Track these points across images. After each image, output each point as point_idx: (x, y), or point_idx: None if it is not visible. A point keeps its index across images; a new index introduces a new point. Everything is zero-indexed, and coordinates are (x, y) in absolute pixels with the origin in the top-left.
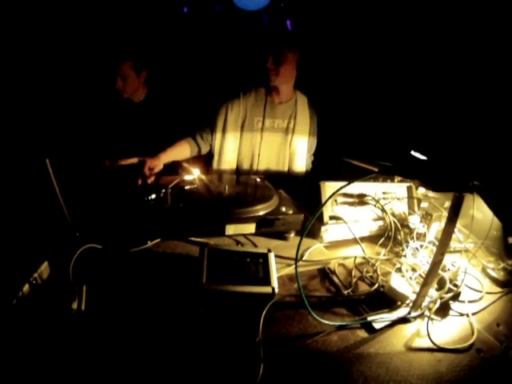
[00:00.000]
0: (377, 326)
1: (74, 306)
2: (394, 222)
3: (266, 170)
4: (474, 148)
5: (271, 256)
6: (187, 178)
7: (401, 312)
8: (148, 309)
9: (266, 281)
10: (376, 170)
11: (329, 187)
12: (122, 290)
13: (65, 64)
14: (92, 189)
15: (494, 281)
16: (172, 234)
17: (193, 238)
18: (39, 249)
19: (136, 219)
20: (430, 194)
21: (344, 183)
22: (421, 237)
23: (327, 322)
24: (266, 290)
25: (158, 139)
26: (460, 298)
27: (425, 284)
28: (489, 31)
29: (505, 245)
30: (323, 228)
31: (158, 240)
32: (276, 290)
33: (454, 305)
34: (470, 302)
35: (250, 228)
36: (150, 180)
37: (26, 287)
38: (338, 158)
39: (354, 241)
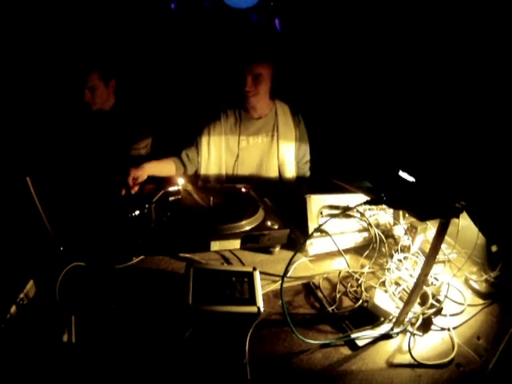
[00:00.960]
0: (360, 343)
1: (65, 338)
2: (379, 235)
3: (253, 179)
4: (459, 166)
5: (256, 274)
6: (171, 189)
7: (383, 328)
8: (135, 332)
9: (252, 300)
10: (364, 194)
11: (315, 200)
12: (109, 312)
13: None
14: (74, 204)
15: (476, 293)
16: (157, 250)
17: (180, 254)
18: (23, 266)
19: (120, 236)
20: None
21: (330, 196)
22: (405, 249)
23: (311, 341)
24: (252, 309)
25: (127, 146)
26: (442, 312)
27: (408, 302)
28: (477, 51)
29: (488, 255)
30: (308, 241)
31: (143, 257)
32: (261, 310)
33: (436, 319)
34: (451, 315)
35: (235, 244)
36: (134, 190)
37: (14, 308)
38: (325, 178)
39: (339, 253)
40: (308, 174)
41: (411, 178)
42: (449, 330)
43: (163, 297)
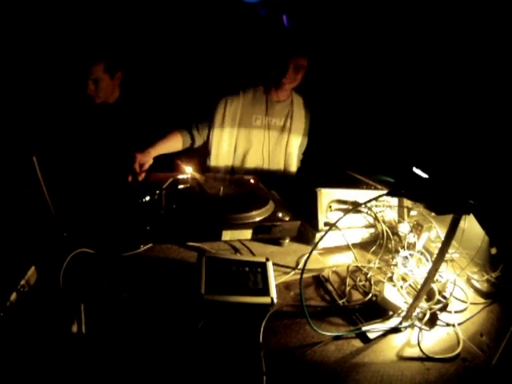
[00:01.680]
0: (371, 335)
1: (74, 329)
2: (386, 231)
3: (261, 169)
4: (470, 165)
5: (269, 265)
6: (180, 176)
7: (393, 322)
8: (146, 323)
9: (265, 291)
10: (379, 187)
11: (325, 194)
12: (120, 301)
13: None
14: (82, 188)
15: (478, 292)
16: (166, 238)
17: (187, 243)
18: (25, 251)
19: (128, 222)
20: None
21: (339, 190)
22: (411, 246)
23: (325, 333)
24: (265, 300)
25: (132, 138)
26: (447, 309)
27: (417, 297)
28: (486, 51)
29: (489, 256)
30: (318, 235)
31: (151, 245)
32: (275, 301)
33: (441, 315)
34: (456, 312)
35: (247, 234)
36: (141, 177)
37: (14, 296)
38: (341, 170)
39: (346, 247)
40: (299, 165)
41: (424, 175)
42: (454, 325)
43: (174, 286)
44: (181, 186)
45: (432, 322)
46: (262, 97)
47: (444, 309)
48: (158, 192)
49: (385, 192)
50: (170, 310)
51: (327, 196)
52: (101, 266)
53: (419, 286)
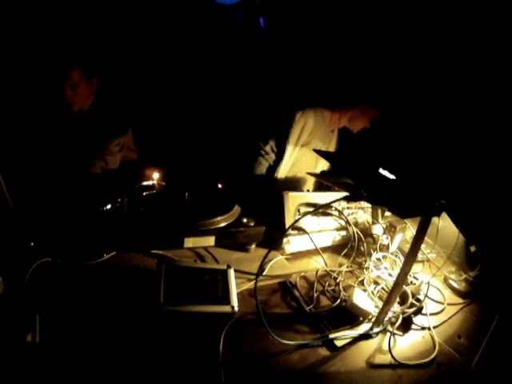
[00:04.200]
0: (338, 343)
1: (29, 338)
2: (357, 233)
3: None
4: (439, 165)
5: (231, 272)
6: (145, 183)
7: (363, 328)
8: (105, 331)
9: (226, 299)
10: (343, 190)
11: (292, 197)
12: (77, 310)
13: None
14: (47, 197)
15: (456, 292)
16: (128, 246)
17: (153, 251)
18: None
19: (91, 231)
20: None
21: (309, 194)
22: (384, 248)
23: (288, 342)
24: (226, 309)
25: (101, 146)
26: (422, 311)
27: (388, 302)
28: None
29: (467, 254)
30: (285, 239)
31: (114, 253)
32: (236, 309)
33: (416, 318)
34: (431, 314)
35: (210, 240)
36: None
37: None
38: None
39: (317, 251)
40: None
41: (392, 176)
42: (429, 329)
43: (135, 295)
44: (145, 193)
45: (406, 326)
46: (324, 120)
47: (418, 312)
48: (119, 200)
49: (342, 196)
50: (129, 318)
51: (295, 199)
52: (63, 276)
53: None
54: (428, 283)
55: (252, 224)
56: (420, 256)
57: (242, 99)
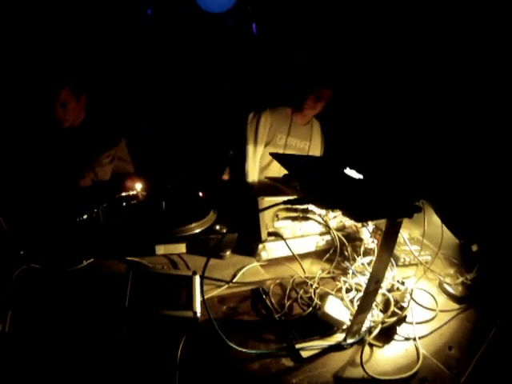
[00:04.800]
0: (304, 354)
1: None
2: (339, 237)
3: None
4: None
5: (196, 279)
6: (124, 194)
7: (336, 338)
8: (73, 327)
9: (189, 305)
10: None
11: (267, 203)
12: (49, 310)
13: None
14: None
15: (451, 297)
16: (106, 253)
17: (128, 258)
18: None
19: (68, 240)
20: None
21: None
22: (371, 252)
23: (246, 350)
24: (187, 314)
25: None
26: (409, 320)
27: (359, 311)
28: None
29: (465, 255)
30: (260, 246)
31: (92, 260)
32: (198, 315)
33: (401, 327)
34: (420, 323)
35: (181, 248)
36: None
37: None
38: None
39: (298, 257)
40: None
41: (359, 176)
42: (414, 339)
43: (105, 298)
44: (124, 204)
45: (387, 336)
46: (289, 118)
47: (401, 321)
48: (95, 210)
49: (285, 200)
50: (97, 318)
51: (270, 204)
52: (42, 281)
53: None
54: (412, 290)
55: (224, 231)
56: (408, 259)
57: (242, 99)
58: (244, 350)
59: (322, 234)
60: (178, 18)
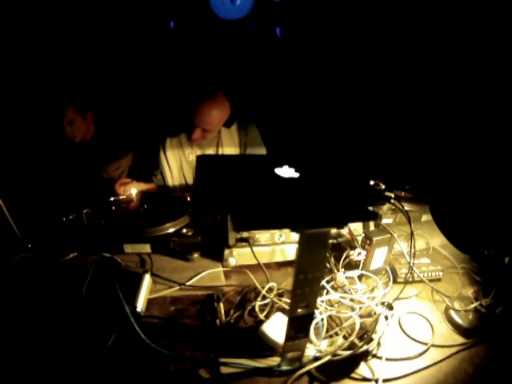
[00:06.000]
0: (224, 370)
1: None
2: None
3: None
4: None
5: (145, 277)
6: (113, 198)
7: (270, 361)
8: (41, 308)
9: (132, 300)
10: None
11: None
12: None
13: None
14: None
15: (456, 327)
16: (86, 249)
17: (104, 254)
18: None
19: (55, 235)
20: (407, 207)
21: None
22: (360, 264)
23: (164, 351)
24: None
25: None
26: (381, 353)
27: (288, 338)
28: None
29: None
30: (227, 251)
31: (76, 254)
32: (138, 310)
33: (370, 362)
34: (391, 360)
35: (146, 247)
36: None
37: None
38: None
39: (269, 265)
40: None
41: (294, 175)
42: (376, 382)
43: (74, 288)
44: (113, 207)
45: (339, 372)
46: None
47: (364, 355)
48: (85, 212)
49: None
50: (59, 304)
51: None
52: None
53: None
54: (386, 317)
55: (190, 234)
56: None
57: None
58: (163, 351)
59: None
60: (200, 28)
